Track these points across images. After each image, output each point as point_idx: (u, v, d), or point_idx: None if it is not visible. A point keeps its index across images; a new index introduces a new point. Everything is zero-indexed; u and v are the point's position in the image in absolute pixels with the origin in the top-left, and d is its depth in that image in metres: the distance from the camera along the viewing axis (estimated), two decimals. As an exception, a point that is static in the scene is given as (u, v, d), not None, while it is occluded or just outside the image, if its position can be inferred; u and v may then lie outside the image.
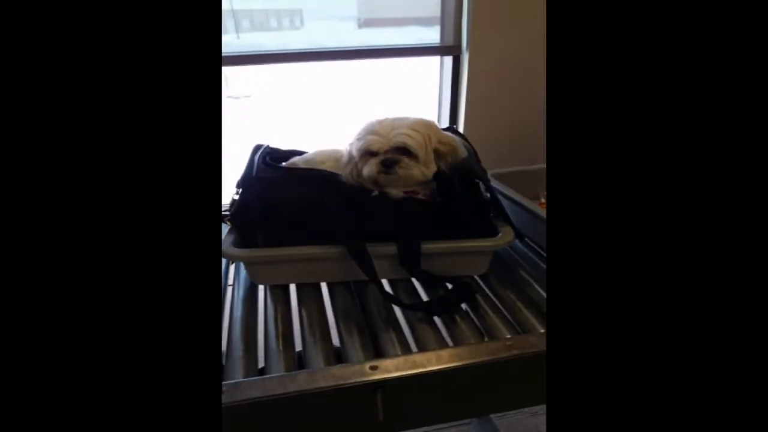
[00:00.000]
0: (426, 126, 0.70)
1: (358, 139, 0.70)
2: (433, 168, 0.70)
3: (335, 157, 0.77)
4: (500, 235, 0.73)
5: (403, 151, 0.68)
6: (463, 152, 0.72)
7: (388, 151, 0.68)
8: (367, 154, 0.70)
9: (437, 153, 0.70)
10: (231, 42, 1.60)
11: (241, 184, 0.75)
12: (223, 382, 0.51)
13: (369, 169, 0.69)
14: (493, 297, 0.73)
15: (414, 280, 0.77)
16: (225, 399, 0.49)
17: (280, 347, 0.63)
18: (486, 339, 0.64)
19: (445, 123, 1.74)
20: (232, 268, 0.86)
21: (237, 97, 6.86)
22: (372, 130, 0.70)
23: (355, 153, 0.71)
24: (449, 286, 0.73)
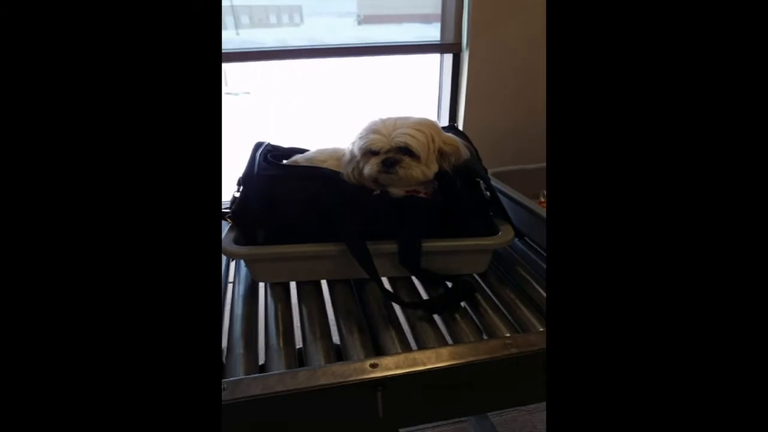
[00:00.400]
0: (429, 126, 0.70)
1: (360, 138, 0.70)
2: (434, 168, 0.70)
3: (337, 155, 0.77)
4: (500, 233, 0.74)
5: (405, 150, 0.68)
6: (466, 153, 0.72)
7: (389, 150, 0.68)
8: (369, 153, 0.70)
9: (441, 153, 0.70)
10: (230, 38, 1.60)
11: (242, 182, 0.75)
12: (224, 380, 0.52)
13: (370, 168, 0.69)
14: (492, 295, 0.74)
15: (414, 278, 0.77)
16: (226, 396, 0.49)
17: (281, 345, 0.63)
18: (485, 337, 0.64)
19: (444, 121, 1.74)
20: (232, 265, 0.86)
21: (236, 94, 6.84)
22: (374, 129, 0.70)
23: (356, 152, 0.71)
24: (449, 284, 0.73)
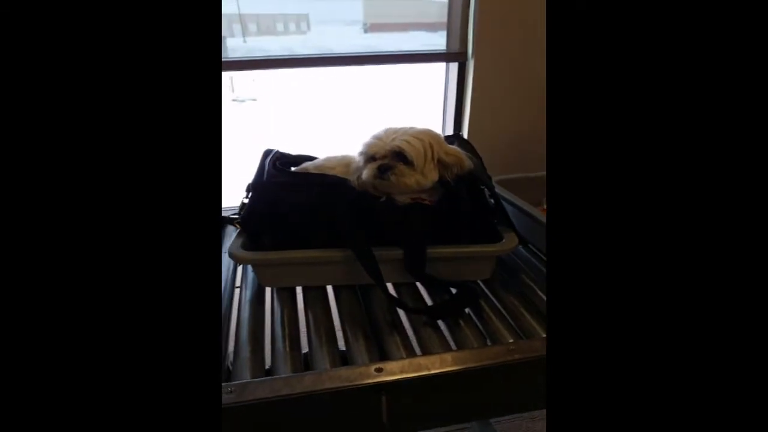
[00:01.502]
0: (429, 135, 0.71)
1: (363, 144, 0.72)
2: (432, 177, 0.71)
3: (345, 162, 0.78)
4: (504, 240, 0.74)
5: (400, 156, 0.69)
6: (469, 165, 0.73)
7: (385, 155, 0.70)
8: (370, 158, 0.71)
9: (443, 164, 0.71)
10: (237, 46, 1.62)
11: (251, 188, 0.76)
12: (231, 383, 0.52)
13: (366, 173, 0.70)
14: (496, 302, 0.74)
15: (419, 284, 0.78)
16: (233, 399, 0.50)
17: (287, 349, 0.64)
18: (489, 343, 0.65)
19: (449, 129, 1.75)
20: (240, 270, 0.87)
21: (242, 101, 6.90)
22: (375, 136, 0.72)
23: (358, 158, 0.72)
24: (453, 290, 0.74)
